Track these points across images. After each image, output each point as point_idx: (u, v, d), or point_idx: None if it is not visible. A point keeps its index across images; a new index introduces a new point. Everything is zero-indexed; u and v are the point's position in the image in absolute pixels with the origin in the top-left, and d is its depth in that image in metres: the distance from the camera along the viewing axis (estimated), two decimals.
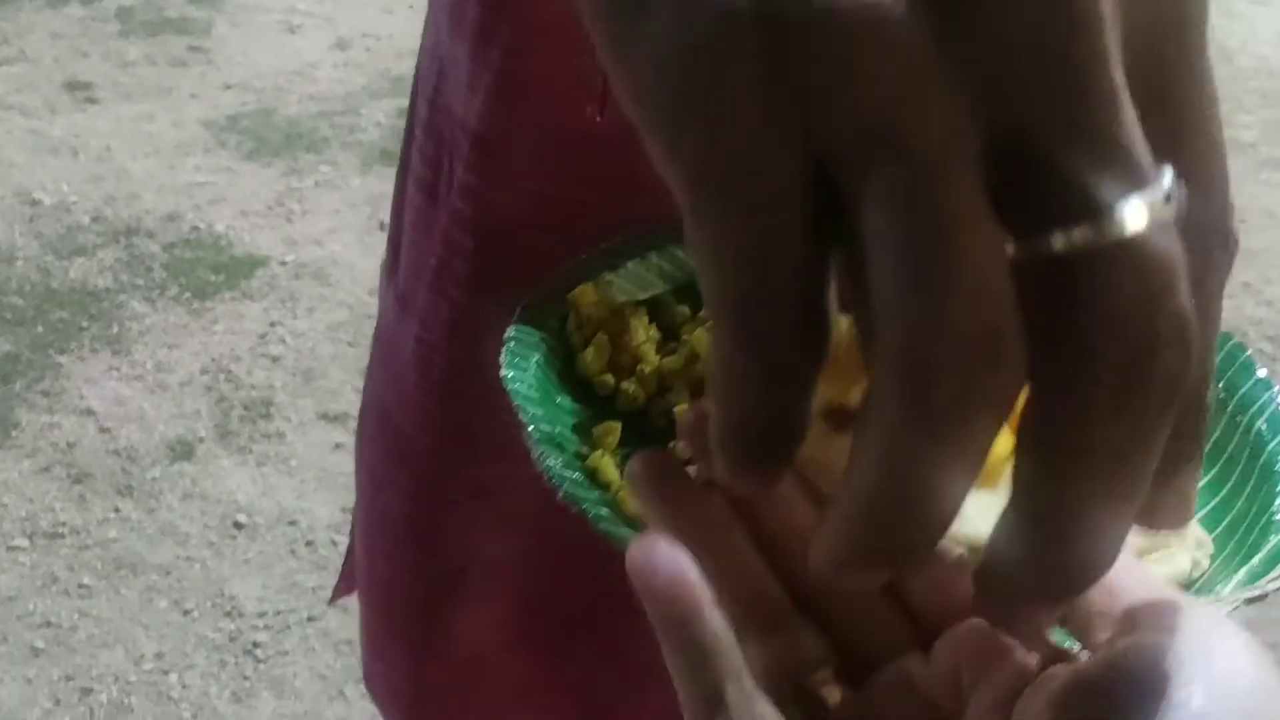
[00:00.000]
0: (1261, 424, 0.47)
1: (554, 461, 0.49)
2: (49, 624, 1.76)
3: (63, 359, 2.26)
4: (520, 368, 0.54)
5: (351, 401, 2.19)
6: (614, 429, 0.55)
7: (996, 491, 0.27)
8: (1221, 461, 0.46)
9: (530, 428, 0.50)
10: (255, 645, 1.75)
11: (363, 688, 1.68)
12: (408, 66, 3.09)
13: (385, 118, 3.20)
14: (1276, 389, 0.47)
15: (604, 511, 0.47)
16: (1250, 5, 4.60)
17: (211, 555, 1.89)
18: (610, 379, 0.58)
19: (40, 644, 1.73)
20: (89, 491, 1.98)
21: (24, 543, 1.88)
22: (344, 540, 1.90)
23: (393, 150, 3.01)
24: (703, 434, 0.28)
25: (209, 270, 2.54)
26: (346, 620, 1.80)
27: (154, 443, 2.08)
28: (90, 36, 3.56)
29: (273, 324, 2.39)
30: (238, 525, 1.94)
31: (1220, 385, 0.49)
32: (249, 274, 2.53)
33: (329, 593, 1.80)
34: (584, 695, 0.80)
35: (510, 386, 0.52)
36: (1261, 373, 0.48)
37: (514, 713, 0.84)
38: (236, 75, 3.40)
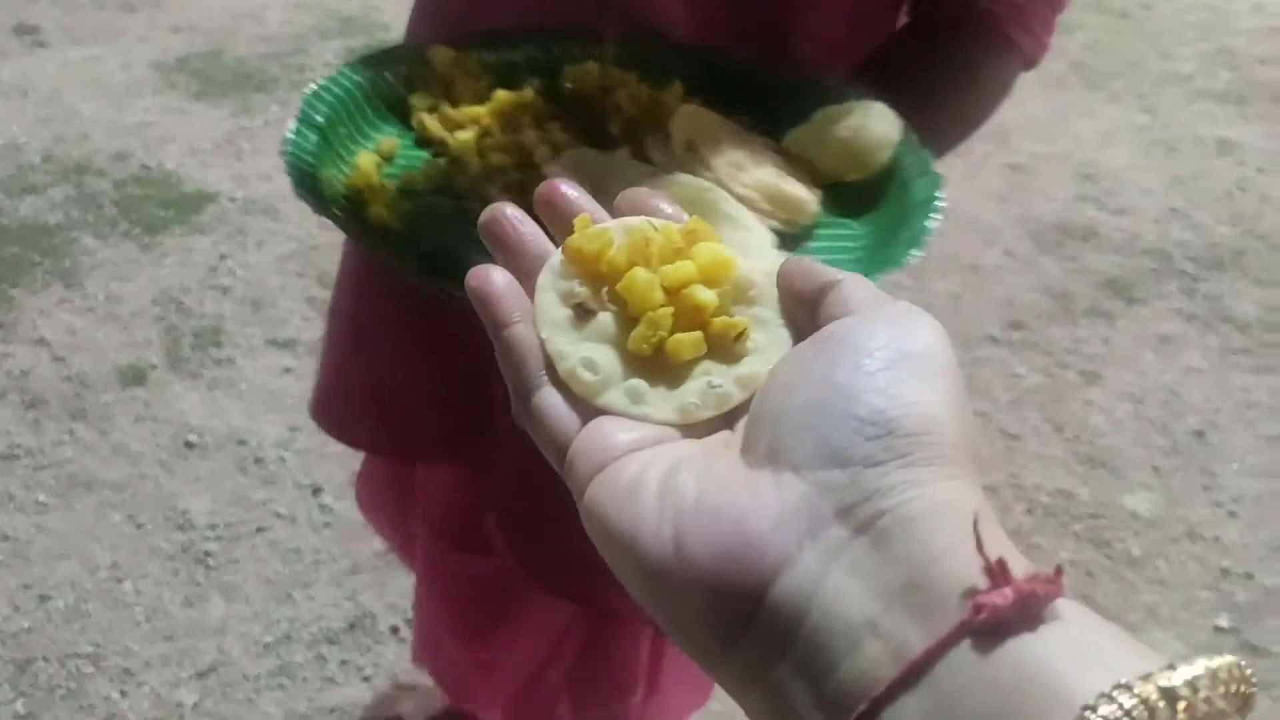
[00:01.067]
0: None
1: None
2: (6, 538, 1.82)
3: (15, 292, 2.30)
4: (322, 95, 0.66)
5: (299, 328, 2.26)
6: (392, 143, 0.63)
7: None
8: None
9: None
10: (206, 555, 1.81)
11: (310, 592, 1.76)
12: (357, 8, 3.15)
13: (334, 57, 3.22)
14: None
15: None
16: None
17: (163, 473, 1.95)
18: (427, 121, 0.67)
19: None
20: (43, 416, 2.03)
21: None
22: (291, 457, 1.97)
23: None
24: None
25: (158, 206, 2.58)
26: (294, 531, 1.87)
27: (106, 369, 2.14)
28: None
29: (222, 257, 2.44)
30: (188, 445, 2.00)
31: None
32: (199, 209, 2.58)
33: (277, 506, 1.87)
34: None
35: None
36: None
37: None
38: (185, 18, 3.41)
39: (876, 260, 0.58)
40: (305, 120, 0.62)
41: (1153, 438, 2.19)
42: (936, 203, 0.61)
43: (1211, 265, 2.68)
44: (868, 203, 0.63)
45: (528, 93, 0.67)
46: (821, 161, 0.66)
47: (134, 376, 2.13)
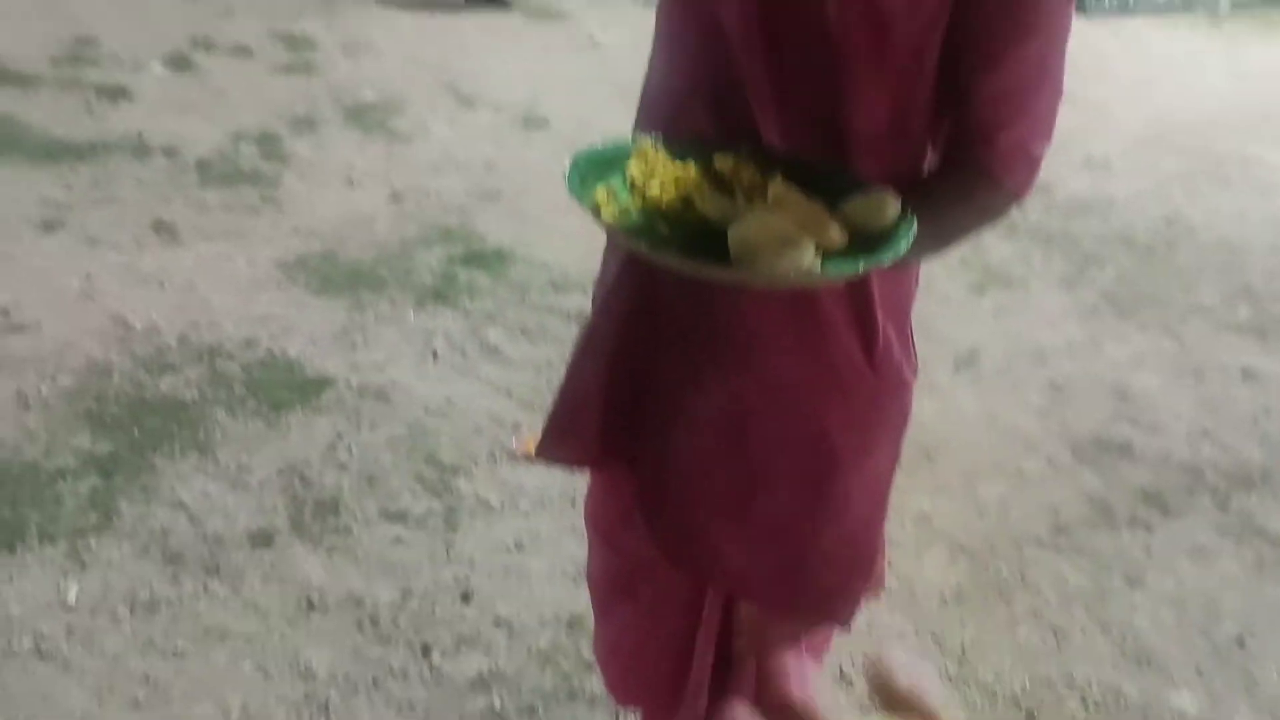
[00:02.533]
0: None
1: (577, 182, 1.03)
2: (148, 680, 2.01)
3: (156, 459, 2.56)
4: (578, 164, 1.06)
5: (409, 502, 2.50)
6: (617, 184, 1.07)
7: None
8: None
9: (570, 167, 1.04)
10: (327, 704, 1.99)
11: None
12: (456, 219, 3.61)
13: (437, 263, 3.60)
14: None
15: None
16: (1213, 187, 5.08)
17: (288, 627, 2.15)
18: (635, 171, 1.08)
19: (141, 697, 1.98)
20: (181, 571, 2.26)
21: (126, 613, 2.15)
22: (404, 618, 2.18)
23: (444, 291, 3.41)
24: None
25: (283, 388, 2.87)
26: (406, 686, 2.05)
27: (237, 531, 2.37)
28: (173, 184, 4.00)
29: (340, 435, 2.71)
30: (310, 603, 2.21)
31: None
32: (318, 392, 2.87)
33: (391, 662, 2.06)
34: None
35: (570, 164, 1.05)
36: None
37: None
38: (303, 222, 3.81)
39: (871, 259, 0.99)
40: (574, 169, 1.04)
41: (1195, 641, 2.35)
42: (908, 239, 1.00)
43: (1241, 483, 2.89)
44: (877, 241, 1.03)
45: (690, 167, 1.07)
46: (855, 217, 1.03)
47: (262, 539, 2.36)
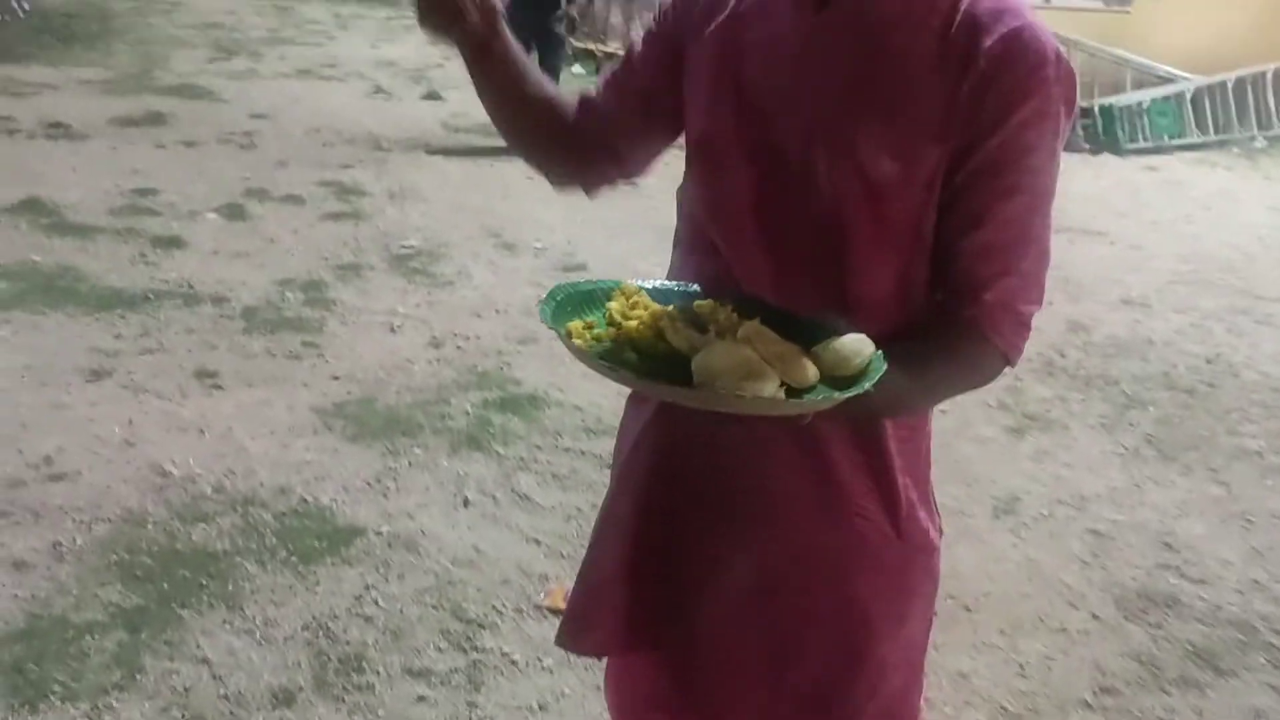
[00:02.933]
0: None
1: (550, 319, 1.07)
2: None
3: (183, 613, 2.56)
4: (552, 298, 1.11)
5: (433, 659, 2.46)
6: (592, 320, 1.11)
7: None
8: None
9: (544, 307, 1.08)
10: None
11: None
12: (493, 363, 3.65)
13: (472, 408, 3.63)
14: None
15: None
16: (1255, 325, 5.03)
17: None
18: (614, 309, 1.12)
19: None
20: None
21: None
22: None
23: (477, 436, 3.43)
24: None
25: (314, 538, 2.88)
26: None
27: (259, 690, 2.35)
28: (219, 331, 4.12)
29: (368, 587, 2.70)
30: None
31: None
32: (348, 542, 2.87)
33: None
34: None
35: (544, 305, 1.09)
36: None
37: None
38: (343, 368, 3.89)
39: (833, 393, 1.02)
40: (550, 298, 1.09)
41: None
42: (874, 378, 1.03)
43: None
44: (849, 383, 1.05)
45: (671, 309, 1.10)
46: (827, 359, 1.06)
47: (284, 698, 2.33)
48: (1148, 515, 3.33)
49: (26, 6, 10.53)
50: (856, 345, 1.07)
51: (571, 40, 8.58)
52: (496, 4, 1.22)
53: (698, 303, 1.14)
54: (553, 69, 7.36)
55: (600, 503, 3.09)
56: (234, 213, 5.51)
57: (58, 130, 6.79)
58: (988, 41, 1.10)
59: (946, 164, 1.12)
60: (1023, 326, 1.18)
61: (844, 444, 1.23)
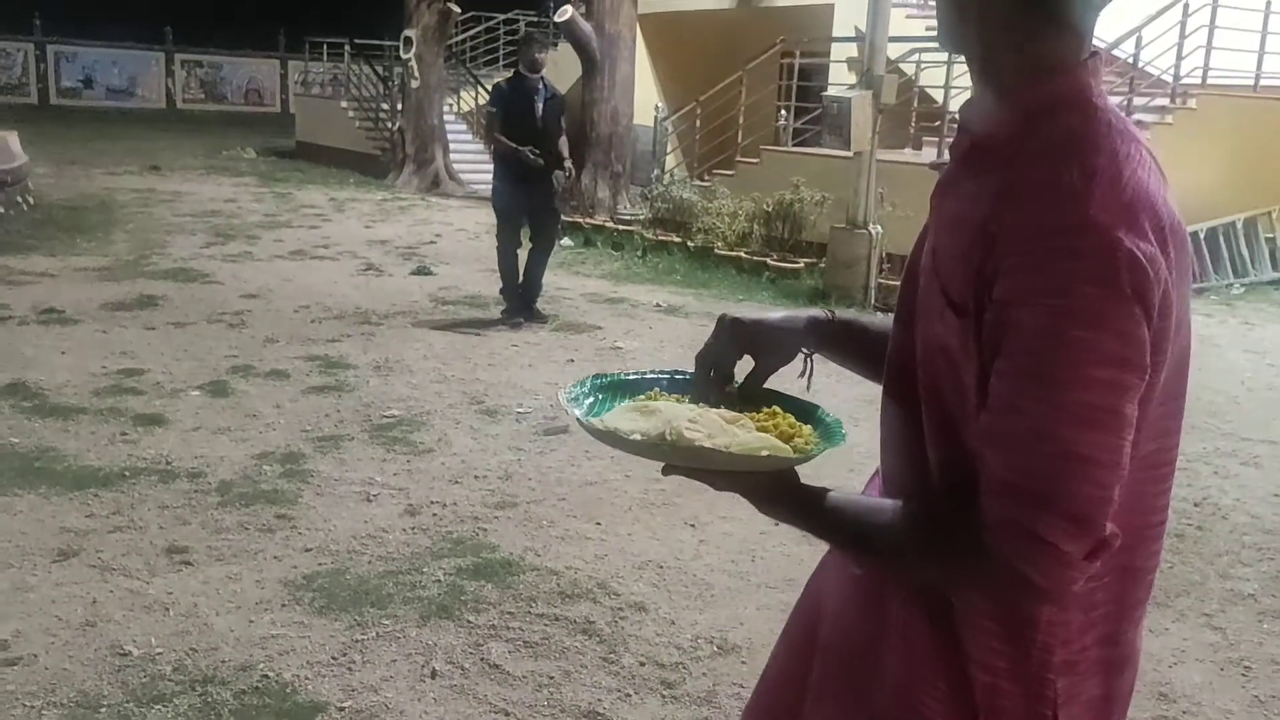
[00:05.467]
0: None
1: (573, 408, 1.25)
2: None
3: None
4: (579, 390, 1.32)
5: None
6: (658, 396, 1.30)
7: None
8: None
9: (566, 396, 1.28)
10: None
11: None
12: (469, 529, 3.59)
13: (444, 575, 3.56)
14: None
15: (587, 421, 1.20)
16: (1242, 467, 4.99)
17: None
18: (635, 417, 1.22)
19: None
20: None
21: None
22: None
23: (449, 604, 3.35)
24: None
25: (273, 716, 2.77)
26: None
27: None
28: (193, 507, 4.08)
29: None
30: None
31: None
32: (309, 719, 2.76)
33: None
34: None
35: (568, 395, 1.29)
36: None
37: None
38: (316, 539, 3.83)
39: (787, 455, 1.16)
40: (578, 389, 1.30)
41: None
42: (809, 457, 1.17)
43: None
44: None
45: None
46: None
47: None
48: (1142, 663, 3.20)
49: (30, 200, 10.90)
50: (834, 422, 1.23)
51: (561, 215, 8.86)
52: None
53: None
54: (548, 243, 7.55)
55: (573, 669, 2.99)
56: (218, 389, 5.55)
57: (50, 316, 6.91)
58: (1010, 196, 1.02)
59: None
60: (1035, 539, 0.97)
61: (914, 614, 1.14)
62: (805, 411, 1.27)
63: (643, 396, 1.27)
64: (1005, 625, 1.08)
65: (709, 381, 1.31)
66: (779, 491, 1.15)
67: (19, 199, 10.44)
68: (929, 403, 1.10)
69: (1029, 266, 0.98)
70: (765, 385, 1.34)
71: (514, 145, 7.11)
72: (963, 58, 1.14)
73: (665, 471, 1.14)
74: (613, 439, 1.14)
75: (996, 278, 1.00)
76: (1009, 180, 1.03)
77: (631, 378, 1.32)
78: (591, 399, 1.29)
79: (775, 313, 1.37)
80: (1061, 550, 0.97)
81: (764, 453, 1.13)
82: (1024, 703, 1.09)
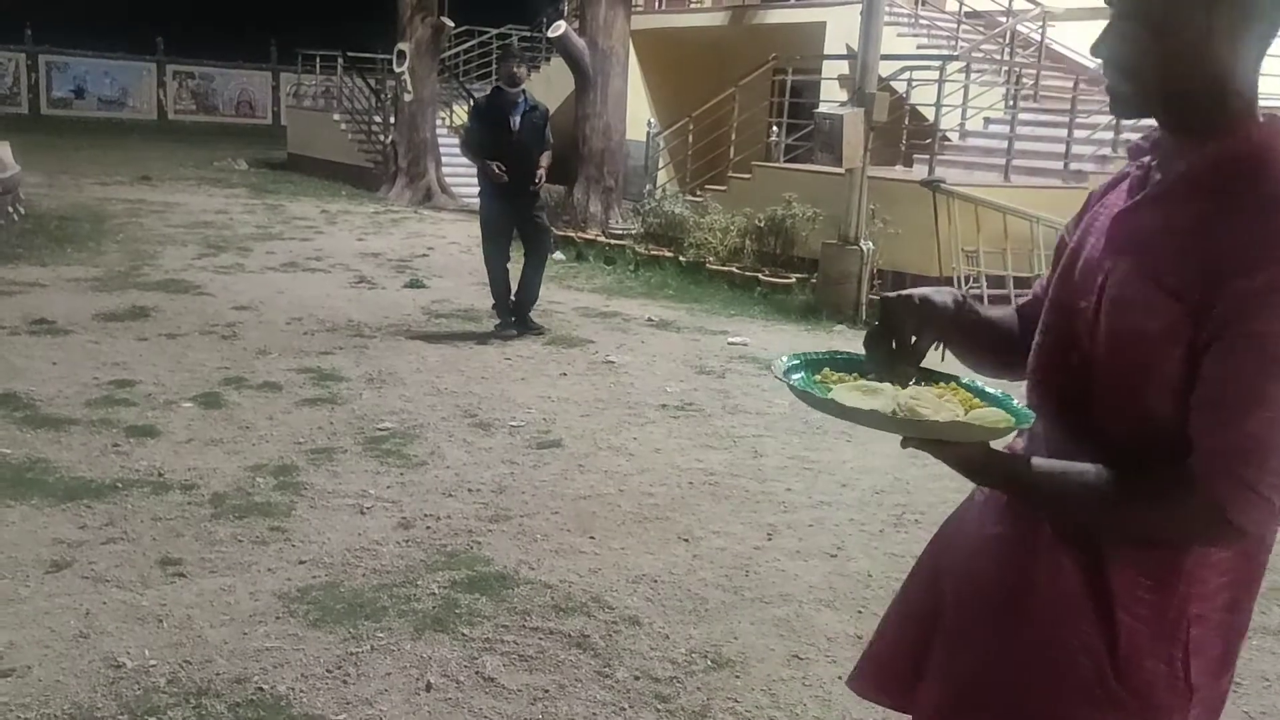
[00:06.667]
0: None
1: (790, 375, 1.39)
2: None
3: None
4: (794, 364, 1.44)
5: None
6: (831, 375, 1.42)
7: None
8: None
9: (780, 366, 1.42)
10: None
11: None
12: (463, 542, 3.58)
13: (439, 588, 3.56)
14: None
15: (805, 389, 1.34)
16: None
17: None
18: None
19: None
20: None
21: None
22: None
23: (443, 617, 3.35)
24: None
25: None
26: None
27: None
28: (186, 519, 4.07)
29: None
30: None
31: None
32: None
33: None
34: None
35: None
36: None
37: None
38: (310, 552, 3.83)
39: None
40: (795, 362, 1.42)
41: None
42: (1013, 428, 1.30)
43: None
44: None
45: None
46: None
47: None
48: None
49: (21, 210, 10.87)
50: (996, 415, 1.29)
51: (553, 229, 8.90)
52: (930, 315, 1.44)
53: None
54: (539, 255, 7.57)
55: (568, 682, 3.00)
56: (210, 401, 5.54)
57: (41, 326, 6.90)
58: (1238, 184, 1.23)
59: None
60: (1247, 489, 1.17)
61: (1061, 561, 1.32)
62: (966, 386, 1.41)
63: (817, 377, 1.39)
64: (1154, 575, 1.27)
65: (892, 356, 1.42)
66: (991, 460, 1.31)
67: (10, 209, 10.42)
68: (1113, 382, 1.28)
69: (1263, 270, 1.15)
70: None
71: (481, 158, 7.17)
72: (1108, 90, 1.33)
73: (904, 444, 1.27)
74: (856, 414, 1.25)
75: (1230, 276, 1.17)
76: (1234, 197, 1.21)
77: (815, 357, 1.45)
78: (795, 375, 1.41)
79: (934, 291, 1.47)
80: (1274, 504, 1.18)
81: (1002, 424, 1.26)
82: (1161, 644, 1.28)
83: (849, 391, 1.31)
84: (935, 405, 1.27)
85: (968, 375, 1.46)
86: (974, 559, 1.44)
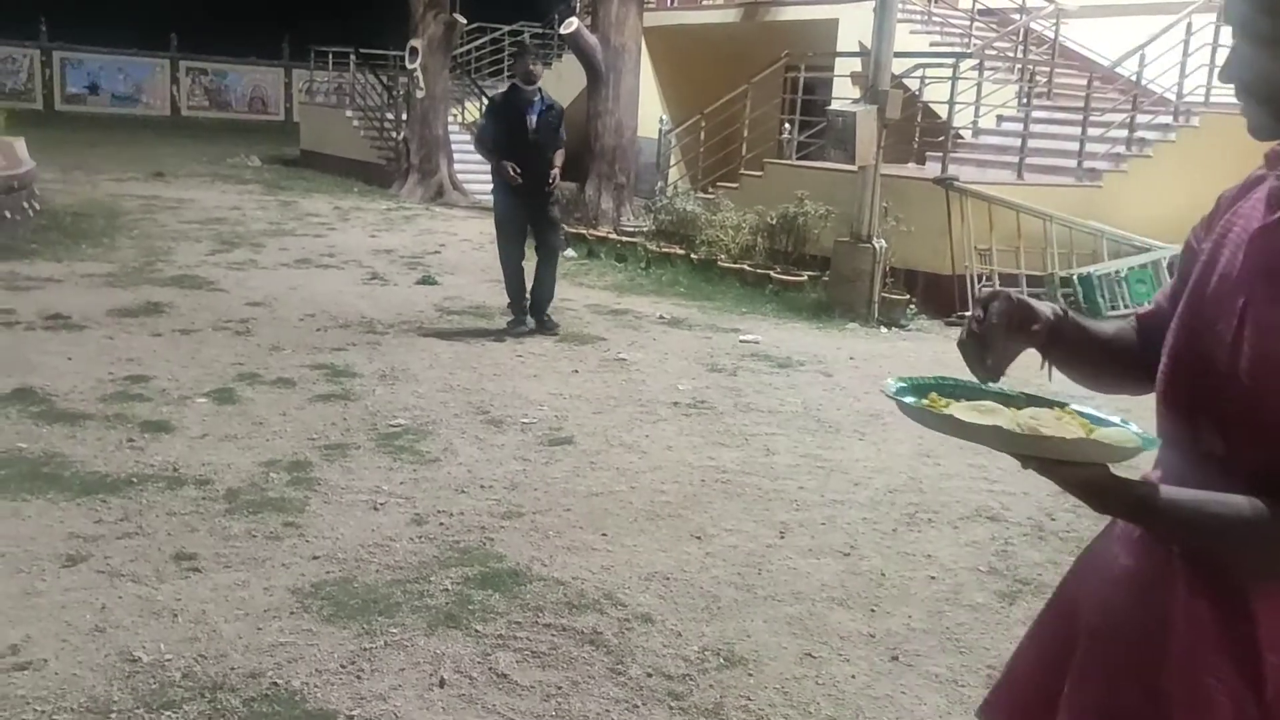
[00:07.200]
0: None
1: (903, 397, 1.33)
2: None
3: None
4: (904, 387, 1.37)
5: None
6: (939, 400, 1.33)
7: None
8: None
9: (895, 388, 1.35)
10: None
11: None
12: (476, 539, 3.59)
13: (452, 584, 3.57)
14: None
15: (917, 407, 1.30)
16: None
17: None
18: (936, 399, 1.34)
19: None
20: None
21: None
22: None
23: (456, 614, 3.36)
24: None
25: None
26: None
27: None
28: (201, 514, 4.09)
29: None
30: None
31: None
32: None
33: None
34: None
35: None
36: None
37: None
38: (324, 547, 3.84)
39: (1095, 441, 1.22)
40: (902, 385, 1.36)
41: None
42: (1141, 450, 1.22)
43: None
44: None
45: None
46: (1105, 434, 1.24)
47: None
48: None
49: (36, 206, 10.93)
50: (1122, 434, 1.22)
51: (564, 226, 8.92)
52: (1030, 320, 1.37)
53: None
54: (551, 252, 7.58)
55: (580, 679, 3.01)
56: (224, 397, 5.56)
57: (56, 322, 6.93)
58: None
59: None
60: None
61: (1200, 598, 1.24)
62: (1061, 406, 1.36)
63: (925, 401, 1.34)
64: None
65: (986, 366, 1.36)
66: (1116, 485, 1.21)
67: (25, 204, 10.46)
68: (1256, 408, 1.20)
69: None
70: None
71: (497, 159, 7.18)
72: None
73: (1024, 465, 1.20)
74: (976, 432, 1.21)
75: None
76: None
77: (921, 381, 1.41)
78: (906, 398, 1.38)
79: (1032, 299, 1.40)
80: None
81: (1131, 443, 1.19)
82: None
83: (966, 411, 1.26)
84: (1055, 426, 1.21)
85: (1077, 402, 1.38)
86: (1108, 591, 1.38)
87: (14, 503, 4.06)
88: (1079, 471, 1.19)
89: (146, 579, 3.54)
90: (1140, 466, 1.35)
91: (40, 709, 2.78)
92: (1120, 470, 1.19)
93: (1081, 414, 1.28)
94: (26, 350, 6.22)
